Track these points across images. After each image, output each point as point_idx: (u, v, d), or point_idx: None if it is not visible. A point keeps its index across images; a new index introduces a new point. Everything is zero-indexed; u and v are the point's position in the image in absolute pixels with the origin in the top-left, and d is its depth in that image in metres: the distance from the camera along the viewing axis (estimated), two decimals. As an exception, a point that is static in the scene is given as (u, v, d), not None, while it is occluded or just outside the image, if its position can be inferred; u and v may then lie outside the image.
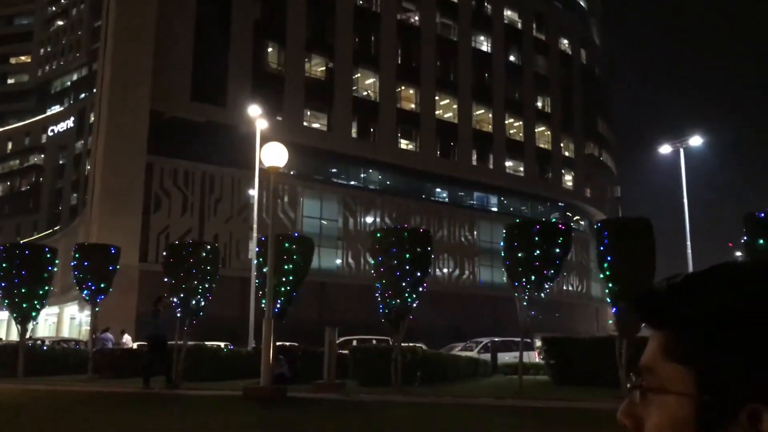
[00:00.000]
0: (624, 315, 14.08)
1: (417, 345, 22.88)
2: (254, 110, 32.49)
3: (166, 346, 16.63)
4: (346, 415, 10.92)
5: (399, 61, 57.23)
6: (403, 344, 16.77)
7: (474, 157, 60.71)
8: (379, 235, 17.16)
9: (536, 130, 65.76)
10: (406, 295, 16.06)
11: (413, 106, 57.95)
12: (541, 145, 66.10)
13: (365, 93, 55.90)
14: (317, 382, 15.70)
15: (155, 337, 16.43)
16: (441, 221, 55.86)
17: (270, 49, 51.05)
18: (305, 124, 51.41)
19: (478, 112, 61.91)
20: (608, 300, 15.40)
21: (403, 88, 57.50)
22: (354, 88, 54.57)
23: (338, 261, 51.30)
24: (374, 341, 25.97)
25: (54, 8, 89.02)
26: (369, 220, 53.04)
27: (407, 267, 16.01)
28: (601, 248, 14.84)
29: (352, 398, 13.48)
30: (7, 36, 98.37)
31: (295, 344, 22.39)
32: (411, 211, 53.96)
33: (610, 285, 14.60)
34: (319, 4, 53.01)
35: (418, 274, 16.23)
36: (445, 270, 55.46)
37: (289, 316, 18.29)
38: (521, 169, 64.25)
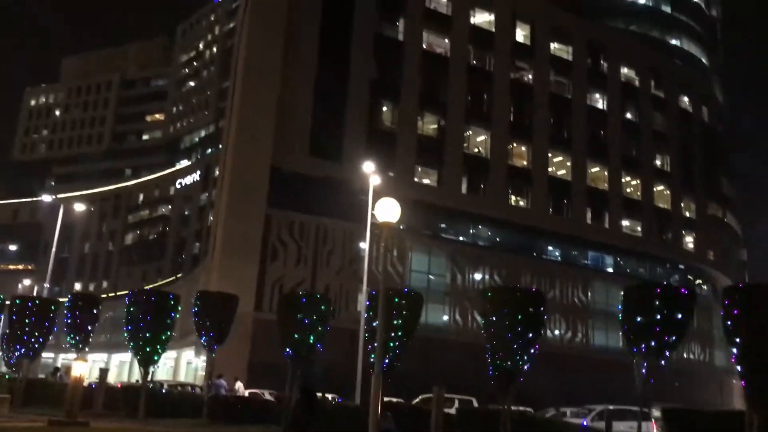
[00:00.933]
0: (756, 389, 13.08)
1: (526, 409, 22.16)
2: (368, 166, 33.29)
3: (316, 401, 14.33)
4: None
5: (511, 118, 57.24)
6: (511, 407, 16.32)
7: (588, 215, 59.19)
8: (489, 294, 16.97)
9: (655, 189, 63.46)
10: (517, 357, 15.70)
11: (525, 162, 57.52)
12: (660, 205, 63.61)
13: (476, 150, 56.12)
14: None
15: (309, 391, 13.35)
16: (553, 280, 54.44)
17: (384, 108, 52.49)
18: (416, 179, 52.07)
19: (593, 170, 60.61)
20: (738, 371, 14.37)
21: (514, 144, 57.32)
22: (465, 144, 54.94)
23: (445, 317, 50.87)
24: (456, 401, 25.19)
25: (187, 70, 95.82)
26: (477, 276, 52.49)
27: (519, 328, 15.69)
28: (728, 316, 13.96)
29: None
30: (144, 96, 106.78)
31: (402, 401, 22.25)
32: (521, 269, 52.99)
33: (739, 356, 13.64)
34: (432, 64, 54.22)
35: (530, 335, 15.86)
36: (557, 331, 53.71)
37: (397, 371, 18.26)
38: (638, 228, 61.93)
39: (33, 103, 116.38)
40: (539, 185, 56.70)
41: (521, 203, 56.88)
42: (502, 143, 56.04)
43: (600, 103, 62.83)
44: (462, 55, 55.66)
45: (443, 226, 53.56)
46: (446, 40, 55.70)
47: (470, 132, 55.73)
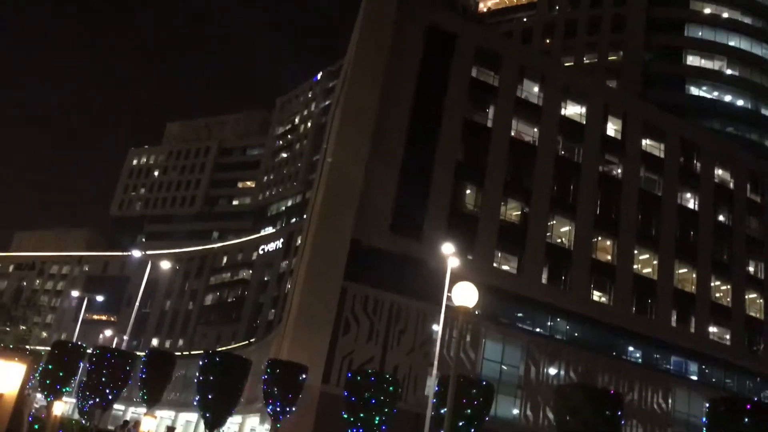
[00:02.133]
0: None
1: None
2: (447, 248, 33.24)
3: None
4: None
5: (597, 211, 56.26)
6: None
7: (674, 317, 56.66)
8: (565, 391, 16.30)
9: (746, 297, 60.30)
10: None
11: (609, 257, 56.05)
12: (752, 314, 60.27)
13: (559, 240, 55.18)
14: None
15: None
16: (632, 383, 51.90)
17: (468, 191, 52.71)
18: (495, 265, 51.45)
19: (680, 271, 58.34)
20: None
21: (599, 238, 56.09)
22: (548, 234, 54.15)
23: (516, 411, 49.04)
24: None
25: (281, 142, 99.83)
26: (552, 371, 50.64)
27: (594, 430, 14.94)
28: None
29: None
30: (239, 164, 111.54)
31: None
32: (599, 368, 50.85)
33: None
34: (520, 151, 54.38)
35: (606, 439, 15.05)
36: (633, 437, 50.77)
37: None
38: (727, 337, 58.66)
39: (135, 162, 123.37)
40: (623, 282, 54.94)
41: (603, 299, 55.10)
42: (587, 235, 54.96)
43: (691, 203, 61.04)
44: (550, 144, 55.67)
45: (520, 315, 52.35)
46: (535, 129, 55.94)
47: (554, 221, 55.00)
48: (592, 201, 56.13)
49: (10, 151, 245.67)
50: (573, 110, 58.28)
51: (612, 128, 59.59)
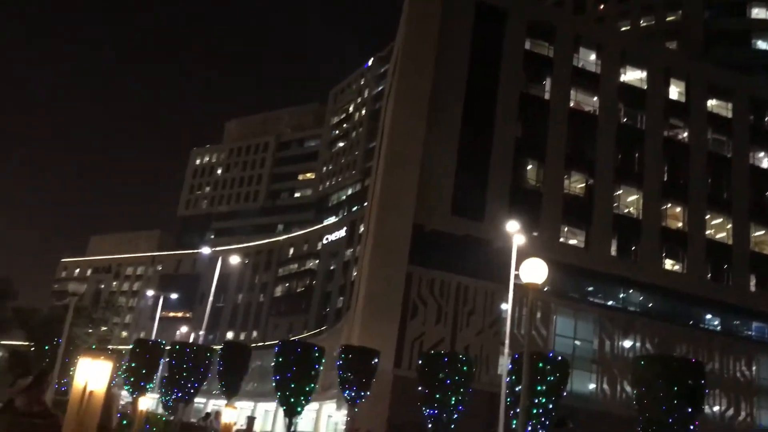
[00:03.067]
0: None
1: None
2: (512, 225, 32.87)
3: None
4: None
5: (665, 178, 54.64)
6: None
7: (752, 282, 54.63)
8: (642, 363, 15.97)
9: (830, 256, 57.63)
10: (673, 432, 14.57)
11: (680, 224, 54.40)
12: (837, 274, 57.57)
13: (627, 210, 53.86)
14: None
15: None
16: (711, 352, 50.38)
17: (529, 166, 51.93)
18: (562, 240, 50.64)
19: (756, 233, 56.15)
20: None
21: (669, 205, 54.47)
22: (615, 204, 52.92)
23: (592, 386, 48.33)
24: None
25: (337, 132, 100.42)
26: (627, 344, 49.65)
27: (675, 401, 14.59)
28: None
29: None
30: (297, 156, 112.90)
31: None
32: (676, 338, 49.57)
33: None
34: (580, 122, 53.23)
35: (689, 410, 14.69)
36: (716, 408, 49.37)
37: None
38: (811, 299, 56.25)
39: (198, 162, 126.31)
40: (696, 249, 53.27)
41: (676, 268, 53.58)
42: (655, 204, 53.44)
43: (764, 163, 58.60)
44: (611, 113, 54.25)
45: (590, 289, 51.45)
46: (594, 98, 54.61)
47: (620, 191, 53.69)
48: (659, 168, 54.51)
49: (79, 160, 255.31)
50: (633, 76, 56.60)
51: (675, 91, 57.64)
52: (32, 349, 40.91)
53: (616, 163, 53.44)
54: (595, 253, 50.65)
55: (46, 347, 35.01)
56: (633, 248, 52.61)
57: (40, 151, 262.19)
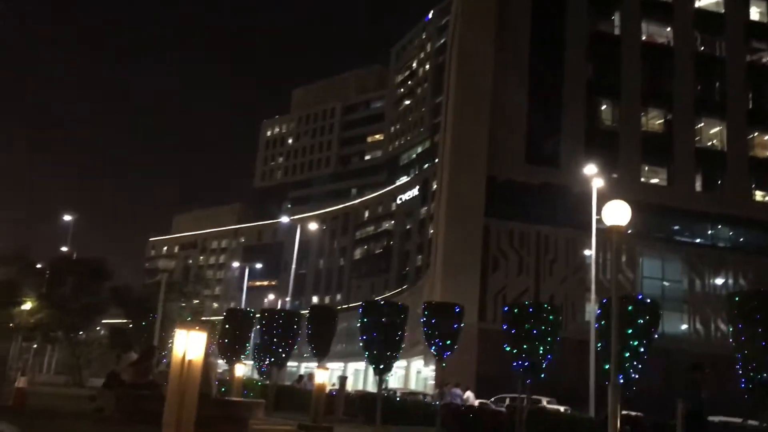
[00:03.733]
0: None
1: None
2: (589, 169, 32.06)
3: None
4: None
5: (749, 106, 51.87)
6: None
7: None
8: (737, 299, 15.34)
9: None
10: (775, 368, 14.01)
11: (768, 153, 51.77)
12: None
13: (710, 143, 51.60)
14: (670, 458, 14.40)
15: (699, 416, 12.71)
16: (811, 284, 48.15)
17: (604, 107, 50.32)
18: (643, 180, 49.12)
19: None
20: None
21: (755, 134, 51.83)
22: (697, 138, 50.76)
23: (684, 326, 47.16)
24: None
25: (402, 90, 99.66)
26: (719, 281, 48.05)
27: (776, 336, 14.00)
28: None
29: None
30: (364, 119, 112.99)
31: (641, 414, 20.92)
32: (771, 272, 47.56)
33: None
34: (654, 56, 50.98)
35: (790, 344, 14.06)
36: (820, 341, 47.29)
37: (634, 384, 17.24)
38: None
39: (269, 133, 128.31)
40: (788, 177, 50.62)
41: (767, 198, 51.17)
42: (741, 133, 50.92)
43: None
44: (687, 42, 51.64)
45: (676, 228, 49.83)
46: (668, 29, 52.07)
47: (702, 124, 51.40)
48: (742, 96, 51.76)
49: (157, 142, 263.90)
50: (708, 0, 53.57)
51: (756, 12, 54.25)
52: (130, 325, 43.08)
53: (696, 94, 51.08)
54: (678, 190, 48.92)
55: (144, 323, 36.79)
56: (719, 182, 50.53)
57: (118, 139, 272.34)
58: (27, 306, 40.39)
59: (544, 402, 30.66)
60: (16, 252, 42.42)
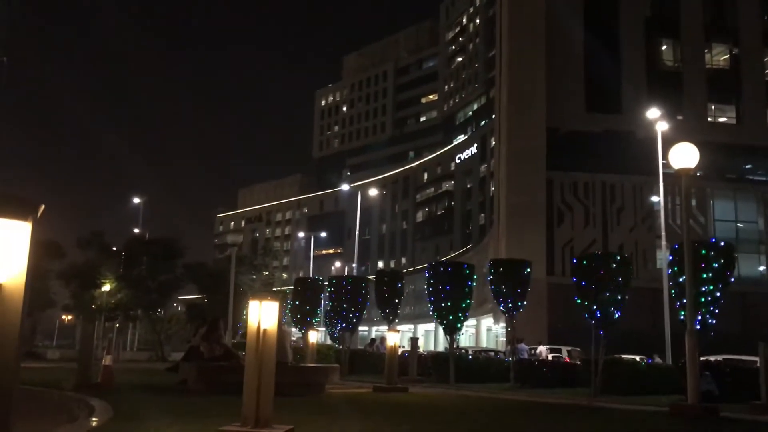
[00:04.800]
0: None
1: None
2: (653, 113, 31.01)
3: None
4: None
5: (823, 31, 49.03)
6: None
7: None
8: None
9: None
10: None
11: None
12: None
13: (781, 75, 49.11)
14: (754, 402, 14.08)
15: None
16: None
17: (664, 47, 48.41)
18: (710, 119, 47.31)
19: None
20: None
21: (830, 61, 49.05)
22: (766, 71, 48.36)
23: (761, 268, 45.62)
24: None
25: (453, 47, 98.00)
26: (798, 219, 46.15)
27: None
28: None
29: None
30: (417, 80, 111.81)
31: (721, 359, 20.44)
32: None
33: None
34: (716, -13, 48.58)
35: None
36: None
37: (711, 329, 16.85)
38: None
39: (323, 103, 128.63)
40: None
41: None
42: (814, 62, 48.28)
43: None
44: (751, -30, 48.94)
45: (748, 167, 47.96)
46: (729, -42, 49.46)
47: (771, 56, 48.94)
48: (815, 21, 48.91)
49: (217, 120, 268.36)
50: (772, -77, 50.52)
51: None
52: (205, 300, 44.48)
53: (763, 26, 48.49)
54: (748, 127, 46.91)
55: (218, 297, 37.91)
56: (793, 115, 48.20)
57: (180, 119, 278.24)
58: (107, 287, 42.13)
59: (564, 352, 30.46)
60: (93, 236, 44.22)
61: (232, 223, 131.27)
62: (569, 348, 30.90)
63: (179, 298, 58.89)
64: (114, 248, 44.56)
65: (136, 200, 53.67)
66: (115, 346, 40.12)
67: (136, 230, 51.70)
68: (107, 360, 15.35)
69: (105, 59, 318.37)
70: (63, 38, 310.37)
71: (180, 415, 9.13)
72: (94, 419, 8.80)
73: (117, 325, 47.95)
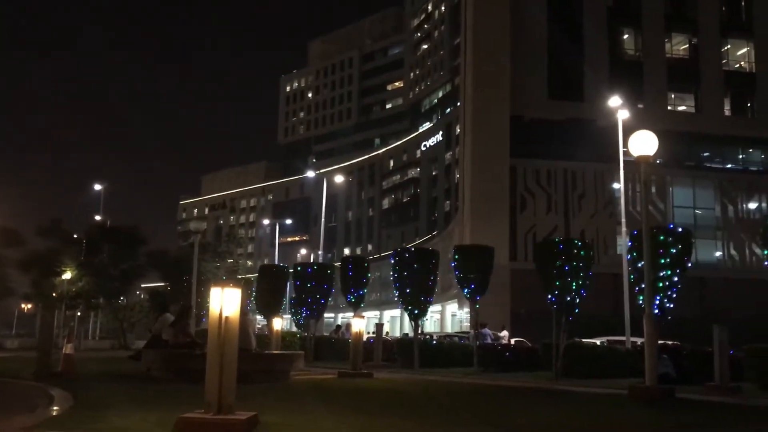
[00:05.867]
0: None
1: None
2: (614, 101, 31.44)
3: None
4: (747, 421, 9.89)
5: (778, 23, 50.15)
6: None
7: None
8: (771, 221, 15.18)
9: None
10: (813, 288, 13.94)
11: (800, 71, 50.19)
12: None
13: (738, 65, 50.17)
14: (708, 384, 14.51)
15: None
16: None
17: (626, 36, 49.08)
18: (669, 108, 48.19)
19: None
20: None
21: (785, 52, 50.25)
22: (724, 61, 49.40)
23: (718, 253, 46.79)
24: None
25: (419, 34, 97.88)
26: (752, 205, 47.39)
27: (812, 256, 13.87)
28: None
29: (751, 403, 12.14)
30: (383, 66, 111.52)
31: (678, 343, 20.97)
32: (806, 193, 46.74)
33: None
34: (677, -23, 49.30)
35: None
36: None
37: (669, 313, 17.28)
38: None
39: (288, 89, 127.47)
40: (822, 94, 49.17)
41: (800, 118, 49.90)
42: (770, 53, 49.41)
43: None
44: (710, -39, 49.78)
45: (706, 154, 49.02)
46: (689, -51, 50.21)
47: (728, 46, 49.92)
48: (770, 12, 50.00)
49: (179, 108, 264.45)
50: None
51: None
52: (168, 288, 44.05)
53: (721, 15, 49.45)
54: (707, 115, 47.91)
55: (182, 285, 37.59)
56: (749, 104, 49.34)
57: (141, 105, 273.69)
58: (67, 275, 41.45)
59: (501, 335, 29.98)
60: (53, 223, 43.40)
61: (196, 210, 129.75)
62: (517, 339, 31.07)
63: (142, 286, 58.15)
64: (75, 236, 43.81)
65: (98, 187, 52.68)
66: (77, 335, 39.51)
67: (98, 217, 50.87)
68: (68, 348, 15.13)
69: (65, 42, 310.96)
70: (13, 21, 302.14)
71: (142, 402, 9.08)
72: (54, 408, 8.71)
73: (78, 314, 47.24)
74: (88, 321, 55.31)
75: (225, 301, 6.86)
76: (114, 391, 11.14)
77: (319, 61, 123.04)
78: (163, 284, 46.87)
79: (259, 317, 30.56)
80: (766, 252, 15.26)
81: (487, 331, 27.00)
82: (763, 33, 49.22)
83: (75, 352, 15.63)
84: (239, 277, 48.48)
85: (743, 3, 50.26)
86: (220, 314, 6.83)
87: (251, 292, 30.25)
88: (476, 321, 23.49)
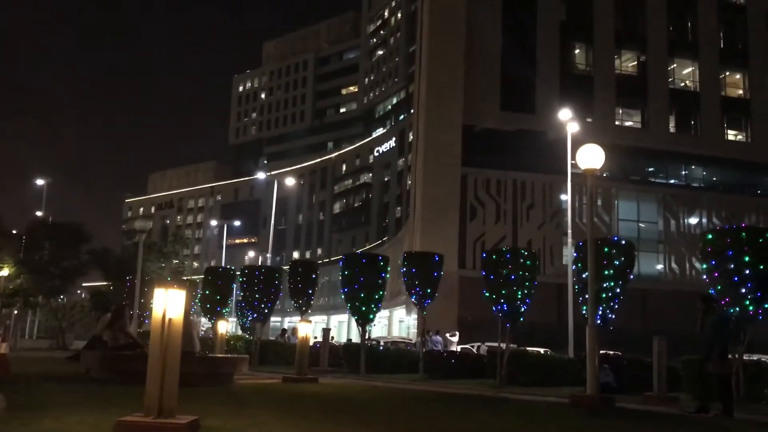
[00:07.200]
0: None
1: (760, 358, 20.32)
2: (564, 114, 32.09)
3: None
4: (683, 430, 10.16)
5: (721, 45, 52.00)
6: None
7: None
8: (710, 236, 15.63)
9: None
10: (747, 302, 14.40)
11: (740, 92, 52.15)
12: None
13: (683, 83, 51.82)
14: (647, 393, 14.86)
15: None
16: (783, 219, 49.17)
17: (577, 50, 50.14)
18: (617, 123, 49.40)
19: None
20: None
21: (727, 73, 52.11)
22: (670, 79, 50.94)
23: (660, 266, 48.10)
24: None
25: (375, 40, 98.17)
26: (693, 221, 48.88)
27: (747, 271, 14.34)
28: None
29: (687, 412, 12.49)
30: (338, 71, 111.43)
31: (619, 353, 21.44)
32: (744, 210, 48.47)
33: None
34: (627, -4, 50.63)
35: (763, 277, 14.42)
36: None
37: (611, 323, 17.63)
38: None
39: (241, 89, 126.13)
40: (761, 116, 51.11)
41: (739, 137, 51.76)
42: (713, 73, 51.16)
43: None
44: (659, -19, 51.32)
45: (651, 169, 50.40)
46: (640, -31, 51.66)
47: (675, 65, 51.52)
48: (715, 35, 51.83)
49: (126, 102, 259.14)
50: (680, -62, 53.12)
51: (727, -51, 53.94)
52: (111, 287, 42.99)
53: (669, 35, 51.02)
54: (653, 132, 49.30)
55: (125, 284, 36.72)
56: (692, 122, 50.95)
57: (88, 98, 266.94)
58: (5, 272, 40.05)
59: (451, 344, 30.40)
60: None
61: (142, 209, 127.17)
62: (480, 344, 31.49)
63: (83, 284, 56.62)
64: (14, 231, 42.38)
65: (40, 182, 51.15)
66: (13, 334, 38.23)
67: (39, 213, 49.35)
68: (3, 348, 14.62)
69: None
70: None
71: (80, 404, 8.81)
72: (-16, 410, 8.36)
73: (15, 312, 45.68)
74: (26, 320, 53.57)
75: (169, 303, 6.71)
76: (50, 392, 10.78)
77: (273, 62, 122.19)
78: (105, 284, 45.74)
79: (203, 320, 30.08)
80: (704, 266, 15.71)
81: (437, 338, 27.14)
82: (708, 54, 50.97)
83: (10, 352, 15.10)
84: (184, 278, 47.68)
85: (689, 23, 51.93)
86: (164, 316, 6.68)
87: (196, 294, 29.74)
88: (423, 327, 23.58)
